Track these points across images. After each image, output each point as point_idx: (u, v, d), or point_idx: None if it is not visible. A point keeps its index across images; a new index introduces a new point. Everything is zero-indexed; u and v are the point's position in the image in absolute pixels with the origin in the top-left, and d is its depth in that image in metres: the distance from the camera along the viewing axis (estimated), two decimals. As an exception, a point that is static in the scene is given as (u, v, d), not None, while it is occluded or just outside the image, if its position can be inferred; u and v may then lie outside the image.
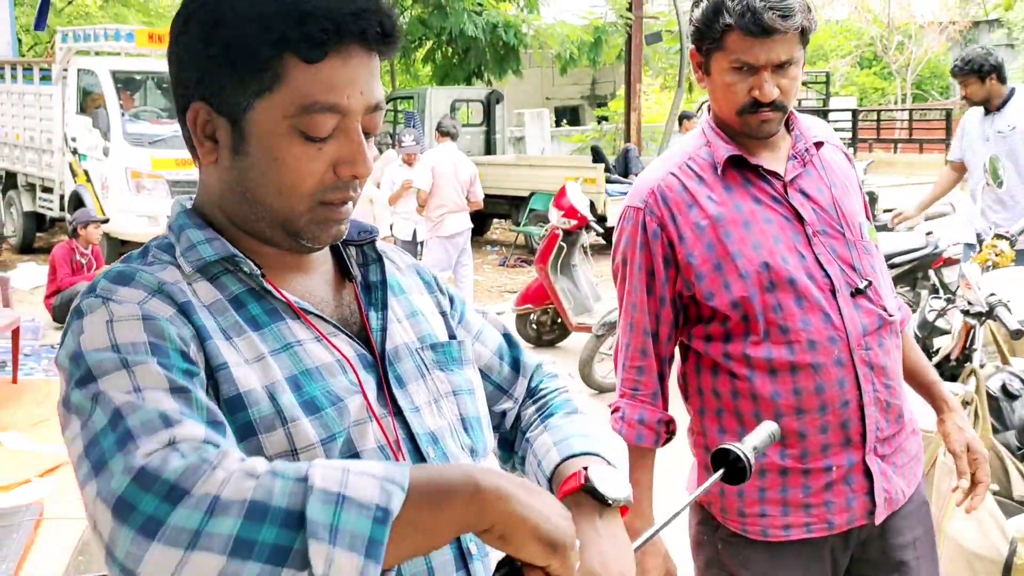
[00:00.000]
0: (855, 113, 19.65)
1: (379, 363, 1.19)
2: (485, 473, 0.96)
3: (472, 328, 1.39)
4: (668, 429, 2.04)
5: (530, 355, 1.45)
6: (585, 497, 1.18)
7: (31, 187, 13.13)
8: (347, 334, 1.19)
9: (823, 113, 16.94)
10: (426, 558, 1.11)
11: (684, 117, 12.55)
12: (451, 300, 1.39)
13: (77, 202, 11.27)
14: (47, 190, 12.69)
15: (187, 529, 0.88)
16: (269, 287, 1.15)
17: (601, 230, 8.88)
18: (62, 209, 12.09)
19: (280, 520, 0.89)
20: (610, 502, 1.18)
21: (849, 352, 1.88)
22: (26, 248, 13.23)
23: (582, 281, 7.94)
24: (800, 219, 1.91)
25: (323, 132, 1.10)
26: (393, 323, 1.24)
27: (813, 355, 1.87)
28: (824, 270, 1.89)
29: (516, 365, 1.42)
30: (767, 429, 1.35)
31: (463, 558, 1.15)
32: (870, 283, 1.92)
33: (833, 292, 1.89)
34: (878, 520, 1.94)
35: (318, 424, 1.09)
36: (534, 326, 8.18)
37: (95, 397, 0.99)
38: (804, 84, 17.75)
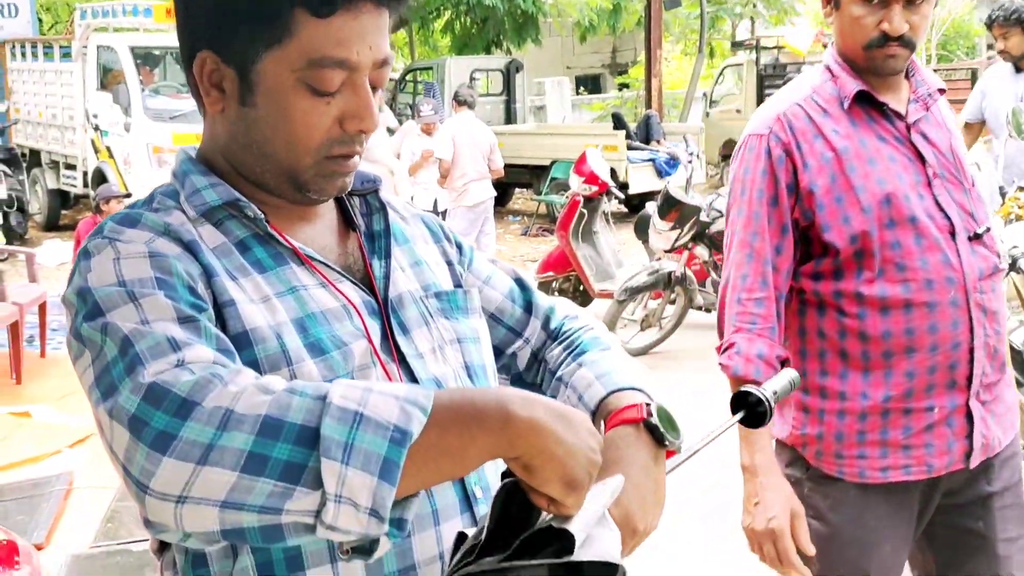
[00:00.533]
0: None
1: (383, 310, 1.19)
2: (521, 401, 0.94)
3: (481, 274, 1.38)
4: (784, 366, 2.01)
5: (544, 297, 1.44)
6: (641, 432, 1.17)
7: (55, 164, 13.21)
8: (352, 281, 1.19)
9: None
10: (430, 499, 1.11)
11: None
12: (459, 248, 1.38)
13: (100, 178, 11.32)
14: (70, 167, 12.76)
15: (199, 443, 0.87)
16: (273, 232, 1.15)
17: (622, 196, 8.87)
18: (85, 186, 12.15)
19: (294, 437, 0.88)
20: (667, 443, 1.17)
21: (965, 294, 1.89)
22: (51, 225, 13.33)
23: (604, 248, 7.93)
24: (922, 160, 1.92)
25: (331, 87, 1.10)
26: (396, 271, 1.23)
27: (929, 294, 1.88)
28: (944, 212, 1.90)
29: (528, 307, 1.41)
30: (788, 376, 1.34)
31: (468, 500, 1.15)
32: (988, 229, 1.95)
33: (952, 234, 1.90)
34: (973, 464, 1.95)
35: (323, 366, 1.09)
36: (556, 294, 8.16)
37: (104, 328, 0.99)
38: (827, 46, 17.54)
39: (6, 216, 10.78)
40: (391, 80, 16.29)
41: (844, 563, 1.99)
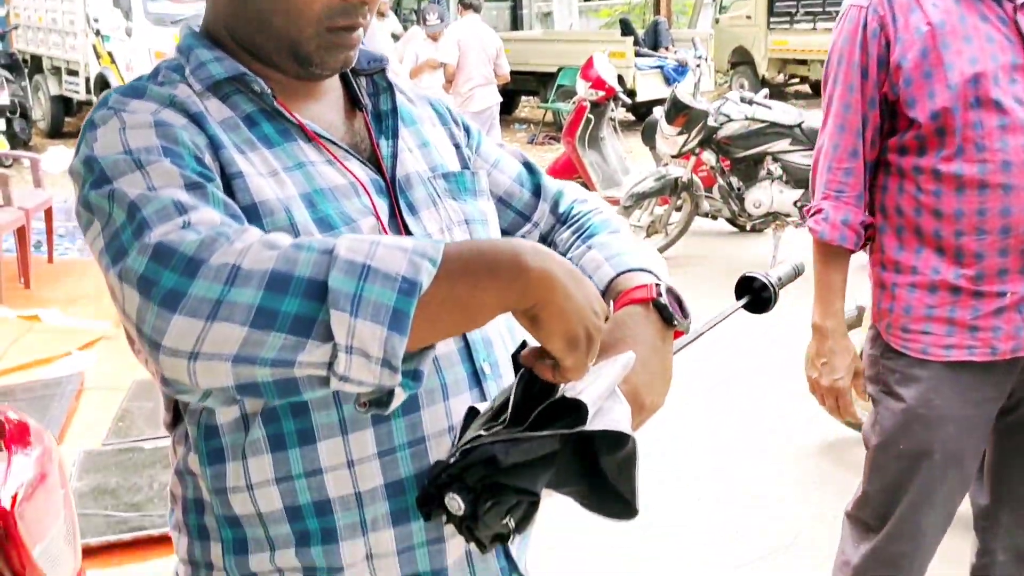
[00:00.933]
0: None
1: (391, 189, 1.18)
2: (533, 251, 0.93)
3: (490, 157, 1.37)
4: (868, 234, 2.08)
5: (552, 180, 1.43)
6: (649, 311, 1.17)
7: (56, 70, 13.08)
8: (359, 159, 1.18)
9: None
10: (439, 374, 1.12)
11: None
12: (467, 131, 1.36)
13: (103, 84, 11.24)
14: (72, 73, 12.64)
15: (207, 299, 0.87)
16: (280, 108, 1.14)
17: (629, 102, 8.77)
18: (88, 92, 12.06)
19: (303, 290, 0.87)
20: (675, 323, 1.17)
21: None
22: (55, 132, 13.26)
23: (610, 154, 7.87)
24: None
25: None
26: (404, 151, 1.22)
27: (1006, 176, 1.89)
28: None
29: (537, 191, 1.40)
30: (792, 262, 1.34)
31: (477, 376, 1.16)
32: None
33: None
34: None
35: None
36: (562, 201, 8.13)
37: (111, 195, 0.98)
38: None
39: (9, 122, 10.72)
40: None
41: (907, 438, 2.05)
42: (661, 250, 6.91)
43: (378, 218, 1.14)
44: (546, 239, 1.40)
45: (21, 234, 6.30)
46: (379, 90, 1.26)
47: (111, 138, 1.02)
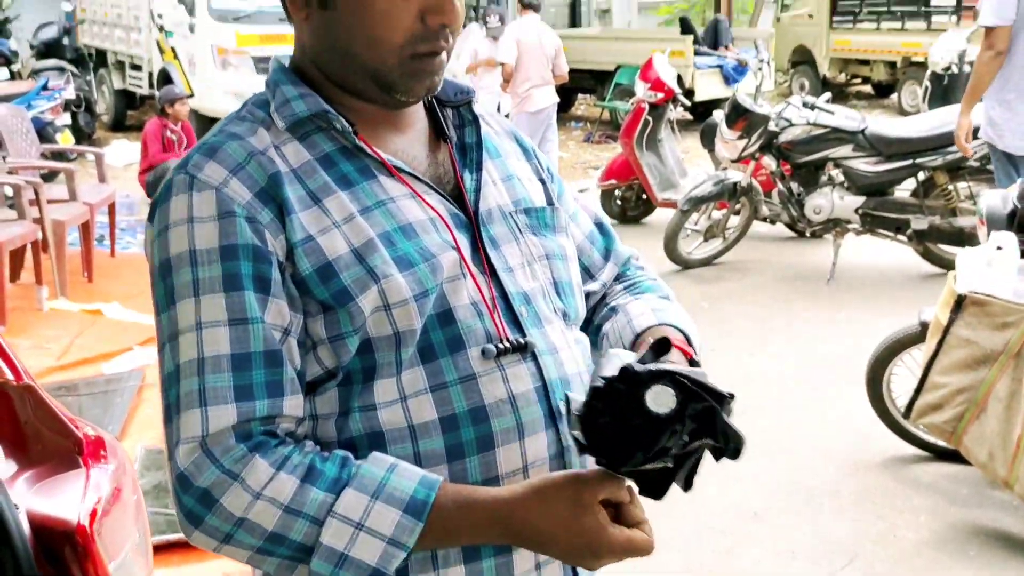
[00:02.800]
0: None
1: (473, 223, 1.19)
2: (516, 530, 1.07)
3: (568, 208, 1.37)
4: None
5: (622, 246, 1.45)
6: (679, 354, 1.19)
7: (120, 65, 13.30)
8: (441, 193, 1.19)
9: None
10: (516, 414, 1.13)
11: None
12: (550, 174, 1.37)
13: (165, 79, 11.38)
14: (136, 67, 12.83)
15: (220, 530, 1.07)
16: (361, 144, 1.16)
17: (689, 103, 8.71)
18: (151, 87, 12.23)
19: (295, 547, 1.07)
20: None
21: None
22: (117, 125, 13.49)
23: (668, 156, 7.82)
24: None
25: None
26: (488, 185, 1.23)
27: None
28: None
29: (607, 253, 1.42)
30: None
31: (552, 416, 1.16)
32: None
33: None
34: None
35: (411, 280, 1.11)
36: (618, 202, 8.11)
37: (172, 329, 1.10)
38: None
39: (75, 116, 10.89)
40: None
41: None
42: (719, 255, 6.85)
43: (459, 252, 1.15)
44: (603, 297, 1.41)
45: (85, 228, 6.40)
46: (465, 122, 1.27)
47: (180, 231, 1.10)
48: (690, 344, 1.25)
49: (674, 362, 1.09)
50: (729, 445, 1.00)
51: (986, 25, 4.98)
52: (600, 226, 1.43)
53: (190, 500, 1.06)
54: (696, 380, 0.99)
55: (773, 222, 6.87)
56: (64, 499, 1.75)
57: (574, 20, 16.58)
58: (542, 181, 1.33)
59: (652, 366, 1.00)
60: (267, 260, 1.09)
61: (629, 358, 1.03)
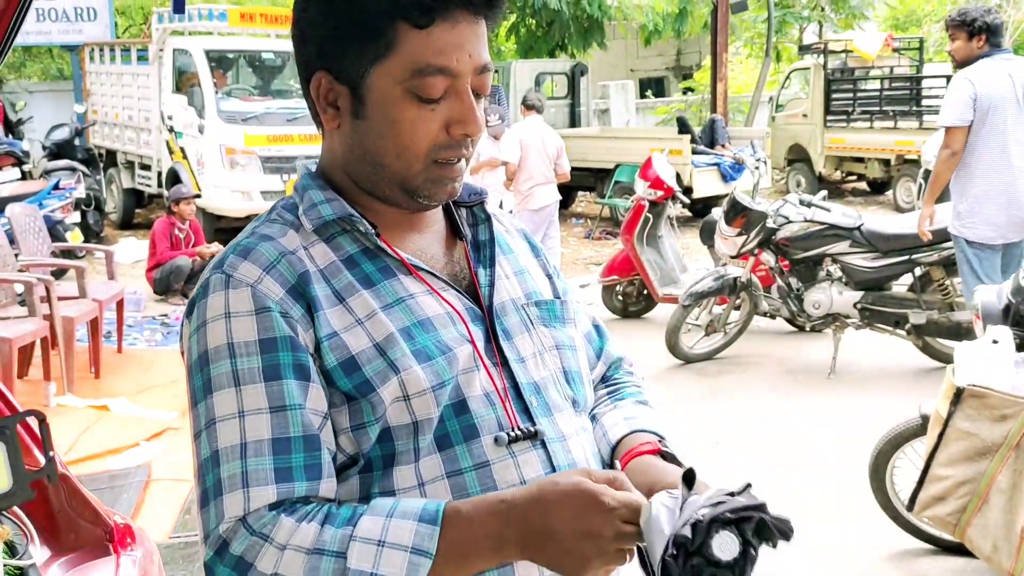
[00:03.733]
0: (950, 80, 19.00)
1: (487, 316, 1.27)
2: (520, 549, 1.10)
3: (570, 308, 1.46)
4: None
5: (615, 348, 1.54)
6: (656, 458, 1.28)
7: (130, 164, 13.54)
8: (457, 289, 1.27)
9: (917, 80, 16.45)
10: (518, 470, 1.21)
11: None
12: (555, 271, 1.46)
13: (174, 179, 11.59)
14: (145, 167, 13.07)
15: None
16: (383, 245, 1.24)
17: (688, 201, 8.84)
18: (160, 185, 12.45)
19: None
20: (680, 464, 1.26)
21: None
22: (126, 223, 13.67)
23: (668, 252, 7.93)
24: None
25: (435, 93, 1.19)
26: (501, 279, 1.32)
27: None
28: None
29: (600, 353, 1.50)
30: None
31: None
32: None
33: None
34: None
35: (429, 372, 1.18)
36: (620, 298, 8.20)
37: (210, 416, 1.16)
38: (896, 51, 17.22)
39: (84, 215, 11.09)
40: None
41: None
42: (720, 349, 6.91)
43: (474, 345, 1.23)
44: None
45: (94, 325, 6.47)
46: (478, 220, 1.36)
47: (217, 327, 1.17)
48: (663, 443, 1.33)
49: (708, 487, 1.12)
50: (782, 535, 1.07)
51: (945, 126, 5.22)
52: (597, 328, 1.52)
53: (226, 570, 1.11)
54: (739, 507, 1.05)
55: (773, 317, 6.95)
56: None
57: (574, 120, 16.93)
58: (548, 277, 1.42)
59: (702, 515, 1.05)
60: (303, 350, 1.17)
61: (669, 502, 1.09)
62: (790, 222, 6.47)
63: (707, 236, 7.45)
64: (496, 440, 1.20)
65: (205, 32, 12.74)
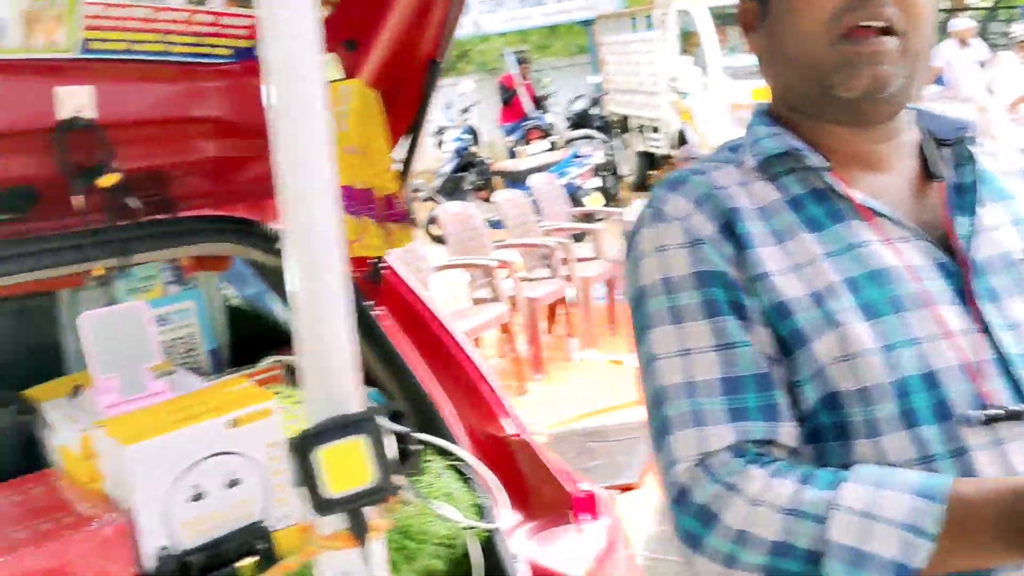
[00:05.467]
0: None
1: (965, 273, 1.06)
2: None
3: None
4: None
5: None
6: None
7: (641, 129, 14.13)
8: (926, 239, 1.09)
9: None
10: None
11: None
12: None
13: (682, 139, 11.87)
14: (654, 130, 13.55)
15: (720, 551, 1.00)
16: (833, 183, 1.10)
17: None
18: (670, 147, 12.83)
19: (803, 558, 0.96)
20: None
21: None
22: (639, 186, 14.29)
23: None
24: None
25: None
26: (987, 230, 1.10)
27: None
28: None
29: None
30: None
31: None
32: None
33: None
34: None
35: (874, 331, 1.02)
36: None
37: (652, 352, 1.09)
38: None
39: (603, 179, 11.79)
40: (982, 8, 14.91)
41: None
42: None
43: (939, 307, 1.04)
44: None
45: (610, 284, 6.88)
46: (963, 160, 1.15)
47: (650, 261, 1.12)
48: None
49: None
50: None
51: None
52: None
53: (688, 519, 1.01)
54: None
55: None
56: (560, 552, 1.83)
57: None
58: None
59: None
60: (739, 289, 1.08)
61: None
62: None
63: None
64: (972, 420, 1.00)
65: (707, -10, 12.84)
